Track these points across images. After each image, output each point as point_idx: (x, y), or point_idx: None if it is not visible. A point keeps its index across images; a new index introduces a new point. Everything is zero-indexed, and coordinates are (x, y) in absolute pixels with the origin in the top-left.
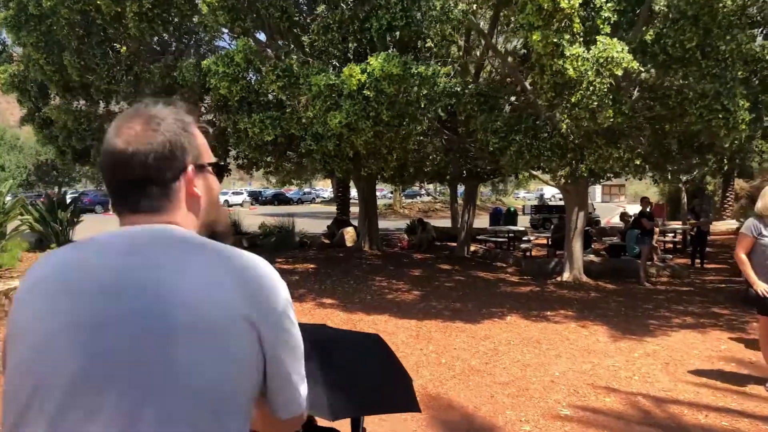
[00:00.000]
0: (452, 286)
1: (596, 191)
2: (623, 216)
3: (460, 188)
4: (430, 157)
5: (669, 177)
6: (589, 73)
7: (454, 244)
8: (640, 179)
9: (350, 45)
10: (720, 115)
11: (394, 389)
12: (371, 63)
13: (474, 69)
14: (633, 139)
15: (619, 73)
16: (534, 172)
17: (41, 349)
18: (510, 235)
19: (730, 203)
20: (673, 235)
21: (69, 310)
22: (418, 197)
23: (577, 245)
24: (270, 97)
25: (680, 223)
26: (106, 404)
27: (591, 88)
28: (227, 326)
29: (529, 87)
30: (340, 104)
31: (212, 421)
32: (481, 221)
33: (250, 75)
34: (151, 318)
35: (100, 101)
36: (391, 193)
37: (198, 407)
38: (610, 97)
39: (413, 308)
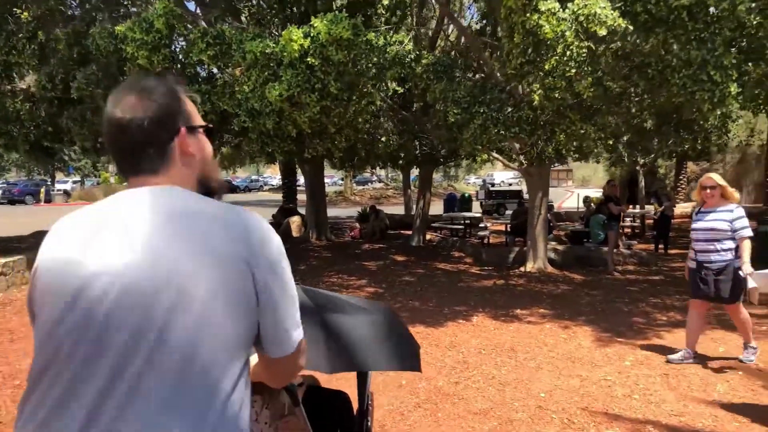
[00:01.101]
0: (410, 281)
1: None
2: (586, 200)
3: (413, 174)
4: (383, 139)
5: (625, 159)
6: (567, 33)
7: (409, 232)
8: (598, 162)
9: (291, 9)
10: (706, 87)
11: (397, 351)
12: (315, 26)
13: (429, 39)
14: (610, 115)
15: (603, 32)
16: (495, 155)
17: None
18: (466, 222)
19: (683, 186)
20: (631, 219)
21: (87, 264)
22: (369, 183)
23: (541, 233)
24: (199, 68)
25: (638, 207)
26: (115, 344)
27: (568, 53)
28: (227, 269)
29: (490, 59)
30: (279, 75)
31: (211, 359)
32: (435, 208)
33: (175, 43)
34: (155, 268)
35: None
36: (342, 179)
37: (195, 345)
38: (589, 63)
39: None
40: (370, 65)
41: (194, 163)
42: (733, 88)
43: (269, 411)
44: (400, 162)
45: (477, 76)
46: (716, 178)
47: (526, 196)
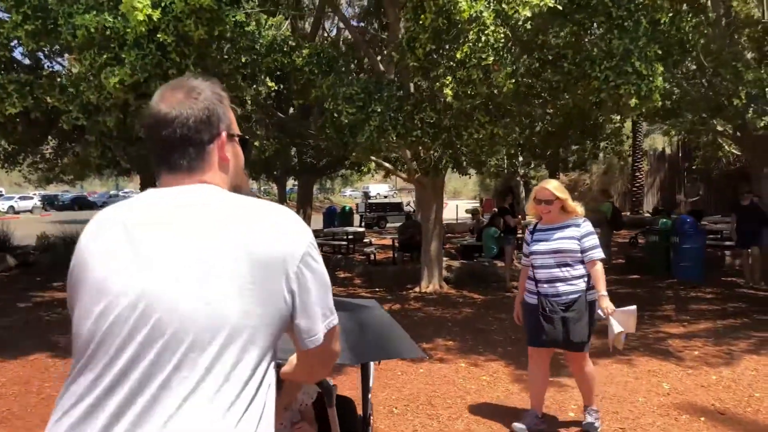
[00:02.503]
0: None
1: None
2: (474, 213)
3: (290, 185)
4: (255, 144)
5: (505, 170)
6: (485, 14)
7: None
8: (482, 173)
9: None
10: (632, 80)
11: (405, 339)
12: None
13: (309, 31)
14: (522, 116)
15: (526, 13)
16: (386, 164)
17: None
18: (349, 237)
19: None
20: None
21: (126, 254)
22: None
23: (436, 250)
24: (18, 51)
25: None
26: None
27: (483, 38)
28: (259, 263)
29: (374, 53)
30: (122, 57)
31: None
32: (314, 223)
33: None
34: (194, 260)
35: None
36: None
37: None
38: (507, 50)
39: None
40: (241, 51)
41: (227, 168)
42: (659, 82)
43: (288, 413)
44: (276, 172)
45: (363, 75)
46: (553, 188)
47: (407, 208)
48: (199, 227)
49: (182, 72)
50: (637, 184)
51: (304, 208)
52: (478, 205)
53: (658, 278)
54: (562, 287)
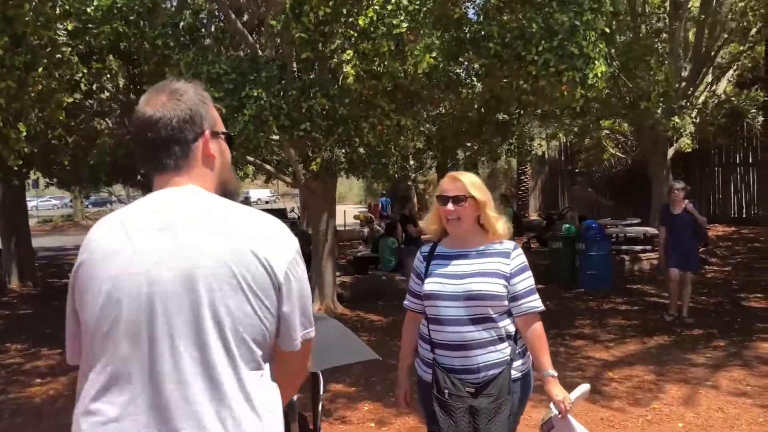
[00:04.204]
0: None
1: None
2: (369, 221)
3: None
4: (104, 141)
5: (396, 173)
6: None
7: None
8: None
9: None
10: (577, 64)
11: (352, 345)
12: None
13: None
14: (431, 104)
15: None
16: (267, 166)
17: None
18: None
19: None
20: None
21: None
22: (108, 204)
23: (329, 264)
24: None
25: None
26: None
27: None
28: (248, 266)
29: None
30: None
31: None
32: None
33: None
34: (191, 267)
35: None
36: (72, 200)
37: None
38: (425, 16)
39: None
40: (65, 16)
41: (213, 164)
42: (603, 67)
43: None
44: (139, 176)
45: (233, 52)
46: (469, 181)
47: (291, 214)
48: (188, 229)
49: None
50: (523, 188)
51: None
52: (366, 210)
53: (563, 287)
54: (476, 356)
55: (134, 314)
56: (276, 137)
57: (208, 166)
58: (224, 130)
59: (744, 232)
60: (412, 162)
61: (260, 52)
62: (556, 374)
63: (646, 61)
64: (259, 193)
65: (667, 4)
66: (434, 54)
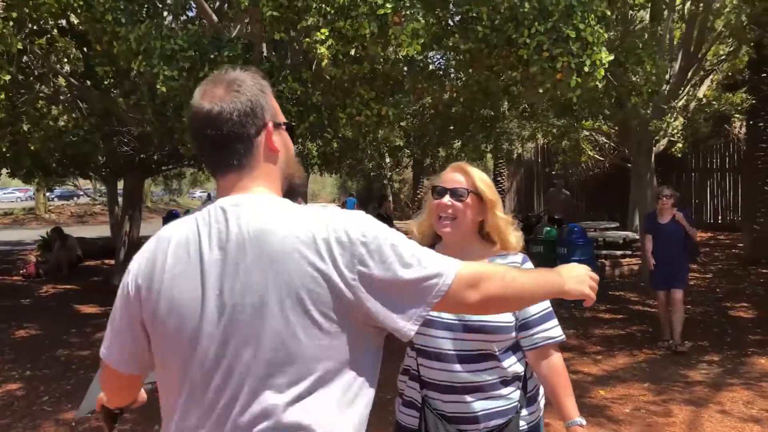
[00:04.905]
0: (85, 356)
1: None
2: None
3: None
4: (47, 125)
5: (371, 170)
6: None
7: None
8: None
9: None
10: (575, 49)
11: None
12: None
13: None
14: (414, 93)
15: None
16: None
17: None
18: None
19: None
20: None
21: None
22: (74, 198)
23: None
24: None
25: None
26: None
27: None
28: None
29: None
30: None
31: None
32: (155, 227)
33: None
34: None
35: None
36: (35, 193)
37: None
38: None
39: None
40: None
41: (278, 159)
42: (604, 54)
43: None
44: (104, 171)
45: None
46: (477, 175)
47: None
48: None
49: None
50: (498, 189)
51: (130, 212)
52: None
53: None
54: (477, 402)
55: None
56: None
57: (273, 161)
58: (284, 120)
59: (720, 238)
60: (388, 159)
61: (224, 30)
62: (584, 423)
63: (638, 55)
64: None
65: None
66: (422, 41)
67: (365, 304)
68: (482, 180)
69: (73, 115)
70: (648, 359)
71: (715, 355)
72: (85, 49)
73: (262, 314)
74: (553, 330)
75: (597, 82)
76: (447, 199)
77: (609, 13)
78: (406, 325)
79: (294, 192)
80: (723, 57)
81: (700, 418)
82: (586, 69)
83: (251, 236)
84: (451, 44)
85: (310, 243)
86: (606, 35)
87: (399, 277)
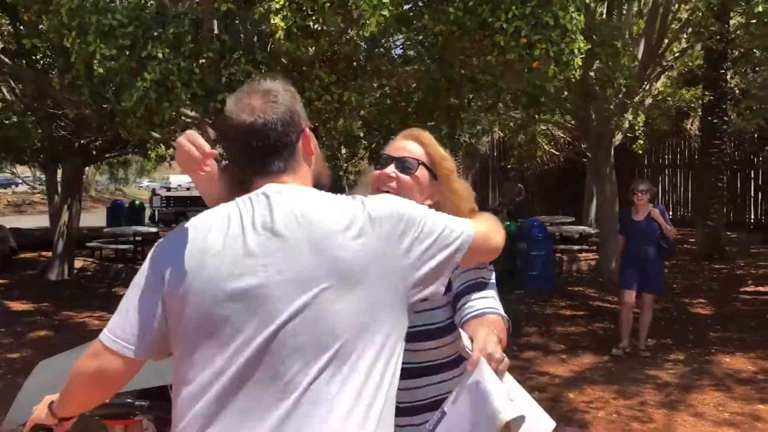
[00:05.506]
0: (14, 359)
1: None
2: None
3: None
4: None
5: (328, 161)
6: None
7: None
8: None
9: None
10: (553, 36)
11: None
12: None
13: None
14: (381, 76)
15: None
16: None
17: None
18: (138, 239)
19: None
20: None
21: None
22: (12, 186)
23: None
24: None
25: None
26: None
27: None
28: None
29: None
30: None
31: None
32: (98, 219)
33: None
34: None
35: None
36: None
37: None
38: None
39: None
40: None
41: (311, 160)
42: (581, 43)
43: None
44: (41, 156)
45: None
46: (427, 141)
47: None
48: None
49: None
50: None
51: (69, 201)
52: None
53: (503, 289)
54: (432, 386)
55: None
56: (189, 111)
57: (309, 162)
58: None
59: None
60: (344, 150)
61: (169, 5)
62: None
63: (614, 46)
64: (179, 179)
65: None
66: (384, 12)
67: (412, 275)
68: (439, 153)
69: (5, 95)
70: (614, 359)
71: (679, 354)
72: (18, 24)
73: (307, 290)
74: (491, 298)
75: (574, 72)
76: (391, 169)
77: (588, 0)
78: (438, 288)
79: (321, 188)
80: (678, 54)
81: (674, 422)
82: (564, 58)
83: (297, 216)
84: (420, 25)
85: (351, 222)
86: (583, 22)
87: (434, 247)
